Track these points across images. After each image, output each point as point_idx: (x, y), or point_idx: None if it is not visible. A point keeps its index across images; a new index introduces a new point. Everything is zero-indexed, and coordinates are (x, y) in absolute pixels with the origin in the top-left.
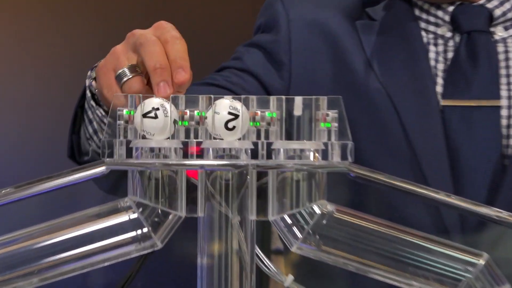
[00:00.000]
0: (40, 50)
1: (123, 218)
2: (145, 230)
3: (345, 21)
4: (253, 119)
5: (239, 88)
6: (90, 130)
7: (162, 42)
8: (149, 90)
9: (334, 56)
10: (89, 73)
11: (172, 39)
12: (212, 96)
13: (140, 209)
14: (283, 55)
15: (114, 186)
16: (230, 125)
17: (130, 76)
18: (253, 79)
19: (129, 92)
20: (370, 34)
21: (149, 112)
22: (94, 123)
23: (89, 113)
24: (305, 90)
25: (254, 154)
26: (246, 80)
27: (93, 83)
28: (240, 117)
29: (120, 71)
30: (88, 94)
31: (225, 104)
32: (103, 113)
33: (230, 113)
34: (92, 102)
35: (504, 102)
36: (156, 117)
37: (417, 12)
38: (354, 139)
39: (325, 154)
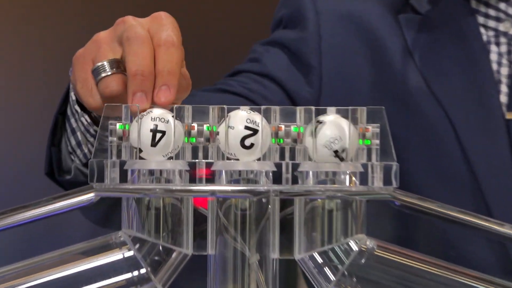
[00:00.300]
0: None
1: (116, 256)
2: (142, 271)
3: (386, 14)
4: (276, 135)
5: (259, 97)
6: (73, 142)
7: (154, 44)
8: None
9: (373, 57)
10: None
11: (166, 44)
12: (225, 106)
13: (137, 246)
14: (311, 56)
15: (104, 216)
16: (247, 142)
17: (109, 73)
18: (276, 85)
19: (104, 92)
20: (416, 30)
21: (154, 137)
22: (78, 133)
23: (72, 121)
24: (339, 100)
25: (277, 178)
26: (268, 87)
27: None
28: (259, 133)
29: (99, 64)
30: (73, 97)
31: (242, 117)
32: (89, 121)
33: (247, 128)
34: (77, 107)
35: None
36: (163, 134)
37: (473, 4)
38: (400, 159)
39: (364, 178)
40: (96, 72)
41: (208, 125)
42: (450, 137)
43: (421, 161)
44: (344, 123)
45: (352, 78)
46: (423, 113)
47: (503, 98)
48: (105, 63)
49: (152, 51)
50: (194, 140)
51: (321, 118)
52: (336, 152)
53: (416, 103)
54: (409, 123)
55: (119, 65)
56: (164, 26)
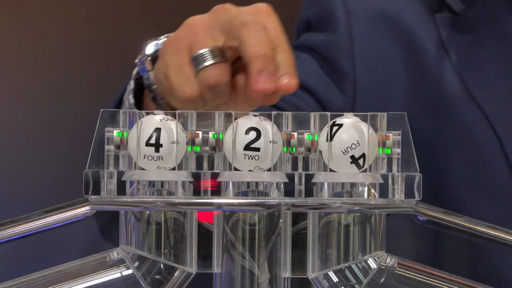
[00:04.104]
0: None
1: (113, 275)
2: None
3: (423, 13)
4: (288, 143)
5: (292, 108)
6: None
7: None
8: (232, 85)
9: (409, 60)
10: (135, 71)
11: (278, 48)
12: (232, 112)
13: (136, 264)
14: (343, 61)
15: (101, 231)
16: None
17: (213, 62)
18: (308, 95)
19: (209, 81)
20: (453, 31)
21: (150, 139)
22: None
23: None
24: (375, 108)
25: (289, 190)
26: (300, 96)
27: (147, 61)
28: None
29: (200, 51)
30: (131, 100)
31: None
32: None
33: None
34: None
35: None
36: (159, 145)
37: None
38: (438, 171)
39: (384, 190)
40: (197, 60)
41: (214, 132)
42: (494, 149)
43: (462, 174)
44: (364, 127)
45: (388, 83)
46: (464, 122)
47: None
48: (207, 51)
49: (270, 39)
50: (198, 148)
51: (338, 120)
52: (353, 158)
53: (456, 111)
54: (449, 132)
55: (222, 54)
56: (271, 26)
